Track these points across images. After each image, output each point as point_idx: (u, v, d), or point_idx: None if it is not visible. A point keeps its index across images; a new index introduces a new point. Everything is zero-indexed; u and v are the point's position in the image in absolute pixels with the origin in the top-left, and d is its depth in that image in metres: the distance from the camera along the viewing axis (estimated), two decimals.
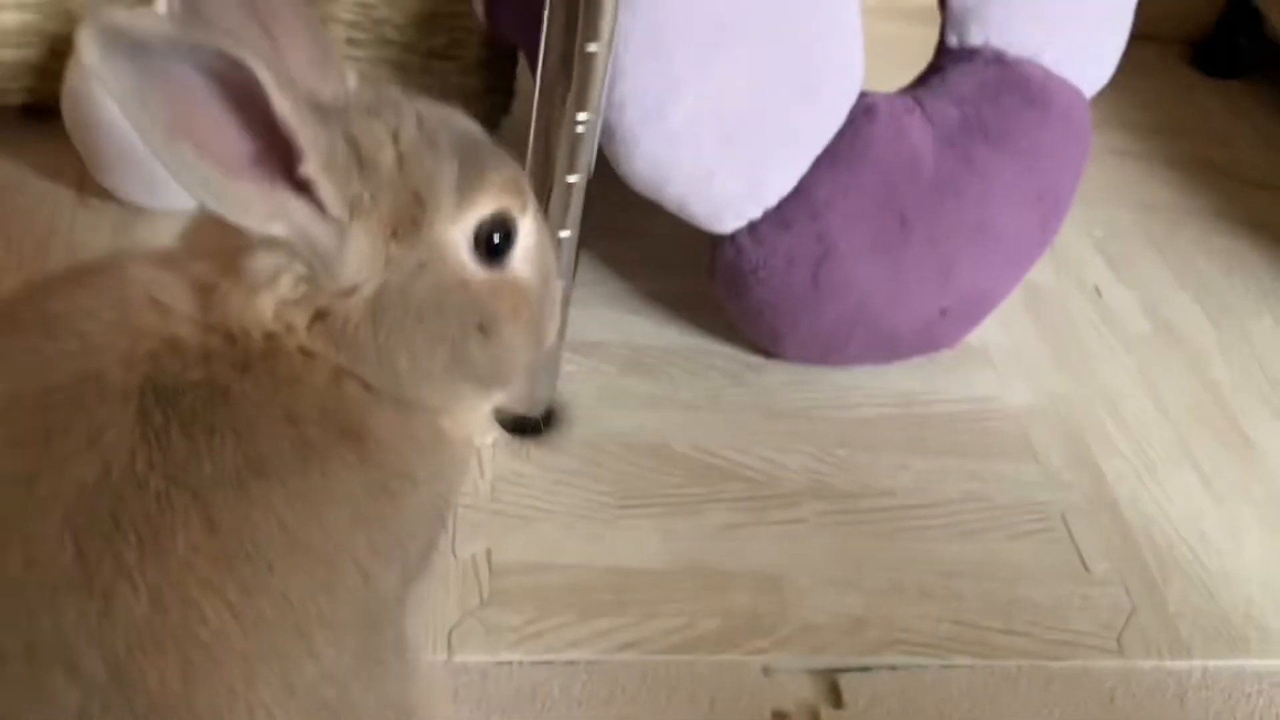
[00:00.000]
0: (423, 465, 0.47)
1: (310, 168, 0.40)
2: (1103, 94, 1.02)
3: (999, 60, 0.94)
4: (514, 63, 1.11)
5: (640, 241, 1.08)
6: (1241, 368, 1.15)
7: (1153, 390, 1.09)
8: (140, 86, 0.35)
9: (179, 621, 0.38)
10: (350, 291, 0.43)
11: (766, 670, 0.77)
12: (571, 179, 0.72)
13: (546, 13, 0.64)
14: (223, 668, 0.39)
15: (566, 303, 0.83)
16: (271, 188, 0.40)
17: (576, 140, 0.70)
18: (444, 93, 1.08)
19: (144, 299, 0.42)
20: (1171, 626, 0.86)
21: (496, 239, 0.46)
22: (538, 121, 0.70)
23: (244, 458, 0.40)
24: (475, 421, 0.54)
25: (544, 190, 0.73)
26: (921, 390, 1.03)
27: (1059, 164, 0.98)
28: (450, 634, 0.74)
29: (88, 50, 0.34)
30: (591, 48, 0.65)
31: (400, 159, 0.43)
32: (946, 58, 0.96)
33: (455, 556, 0.79)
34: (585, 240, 0.79)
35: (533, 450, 0.88)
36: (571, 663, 0.75)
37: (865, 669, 0.79)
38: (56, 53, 1.00)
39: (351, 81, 0.46)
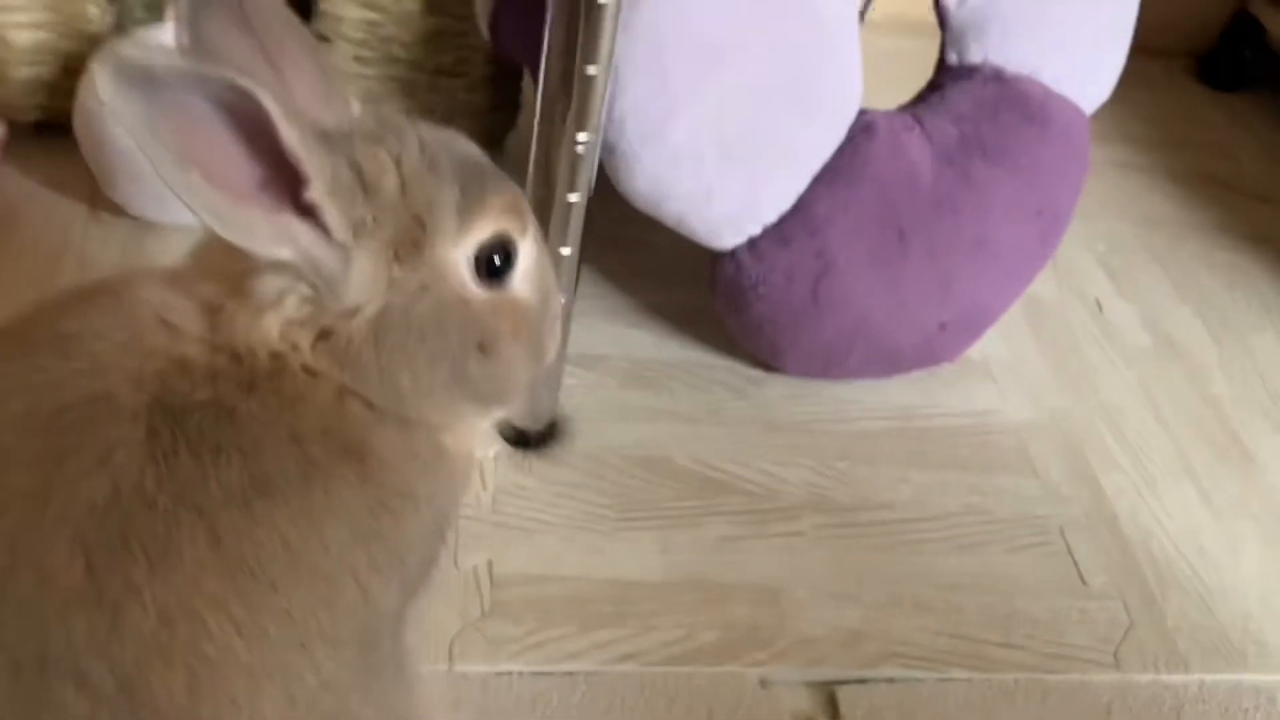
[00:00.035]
0: (423, 483, 0.48)
1: (315, 193, 0.41)
2: (1106, 107, 1.03)
3: (998, 78, 0.95)
4: (519, 79, 1.13)
5: (642, 256, 1.09)
6: (1242, 382, 1.15)
7: (1153, 404, 1.09)
8: (152, 117, 0.37)
9: (185, 636, 0.39)
10: (353, 312, 0.44)
11: (764, 682, 0.78)
12: (572, 198, 0.73)
13: (546, 35, 0.66)
14: (227, 680, 0.40)
15: (568, 317, 0.84)
16: (278, 213, 0.41)
17: (576, 160, 0.71)
18: (450, 109, 1.11)
19: (153, 320, 0.44)
20: (1169, 641, 0.87)
21: (497, 260, 0.47)
22: (538, 141, 0.71)
23: (249, 477, 0.41)
24: (476, 438, 0.55)
25: (545, 208, 0.74)
26: (922, 404, 1.03)
27: (1058, 180, 0.98)
28: (451, 644, 0.75)
29: (103, 84, 0.35)
30: (591, 70, 0.66)
31: (403, 184, 0.44)
32: (946, 75, 0.97)
33: (457, 567, 0.80)
34: (587, 255, 0.80)
35: (534, 463, 0.89)
36: (571, 673, 0.76)
37: (862, 681, 0.80)
38: (69, 71, 1.02)
39: (355, 108, 0.47)
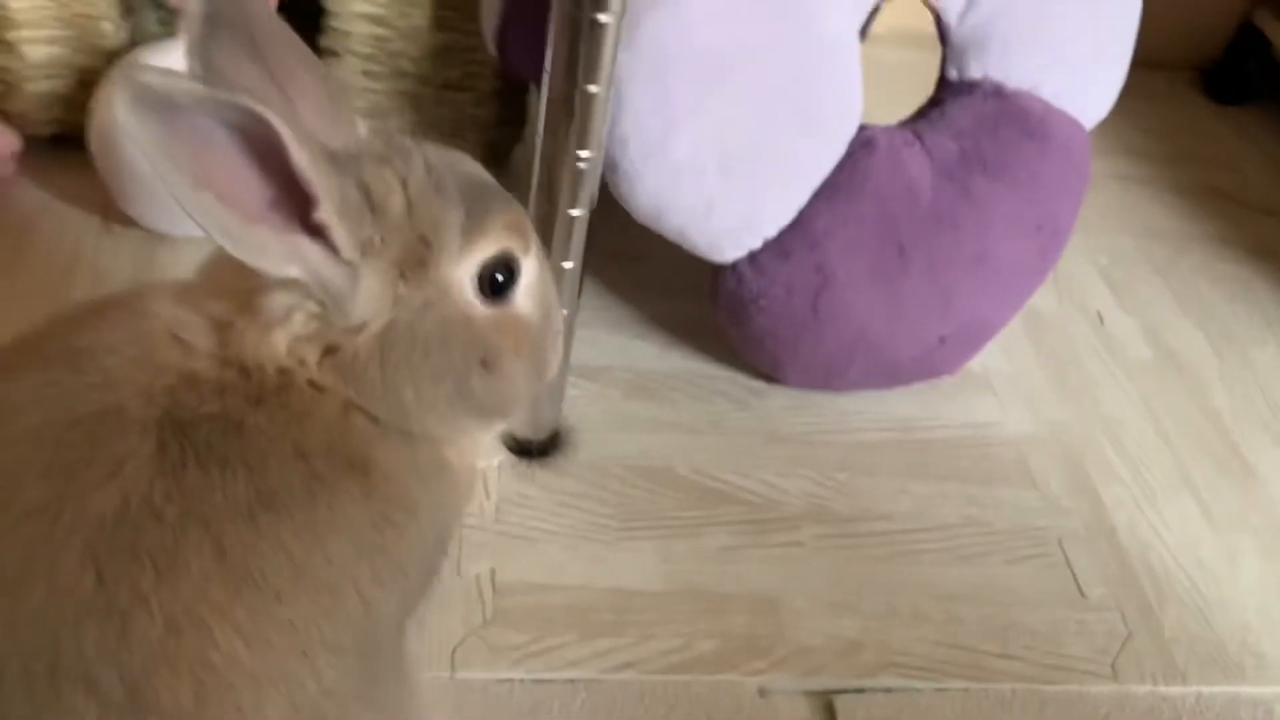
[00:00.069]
0: (426, 496, 0.49)
1: (325, 213, 0.42)
2: (1109, 120, 1.03)
3: (998, 93, 0.96)
4: (525, 94, 1.14)
5: (645, 267, 1.10)
6: (1243, 395, 1.15)
7: (1153, 417, 1.10)
8: (168, 141, 0.38)
9: (192, 644, 0.40)
10: (360, 328, 0.46)
11: (763, 691, 0.79)
12: (574, 213, 0.74)
13: (549, 55, 0.67)
14: (232, 688, 0.41)
15: (571, 329, 0.86)
16: (287, 232, 0.43)
17: (579, 176, 0.72)
18: (457, 123, 1.13)
19: (164, 335, 0.45)
20: (1167, 652, 0.87)
21: (500, 278, 0.48)
22: (541, 157, 0.72)
23: (255, 491, 0.43)
24: (478, 451, 0.56)
25: (548, 223, 0.75)
26: (922, 416, 1.04)
27: (1058, 195, 0.99)
28: (454, 651, 0.76)
29: (121, 109, 0.36)
30: (592, 88, 0.67)
31: (409, 204, 0.45)
32: (946, 91, 0.98)
33: (460, 575, 0.81)
34: (590, 267, 0.81)
35: (538, 472, 0.91)
36: (571, 681, 0.76)
37: (860, 691, 0.80)
38: (84, 85, 1.04)
39: (362, 130, 0.48)
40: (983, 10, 0.94)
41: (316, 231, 0.43)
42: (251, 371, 0.45)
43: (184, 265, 0.49)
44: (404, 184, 0.45)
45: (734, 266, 0.90)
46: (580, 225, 0.75)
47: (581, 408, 0.97)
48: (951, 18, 0.95)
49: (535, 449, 0.92)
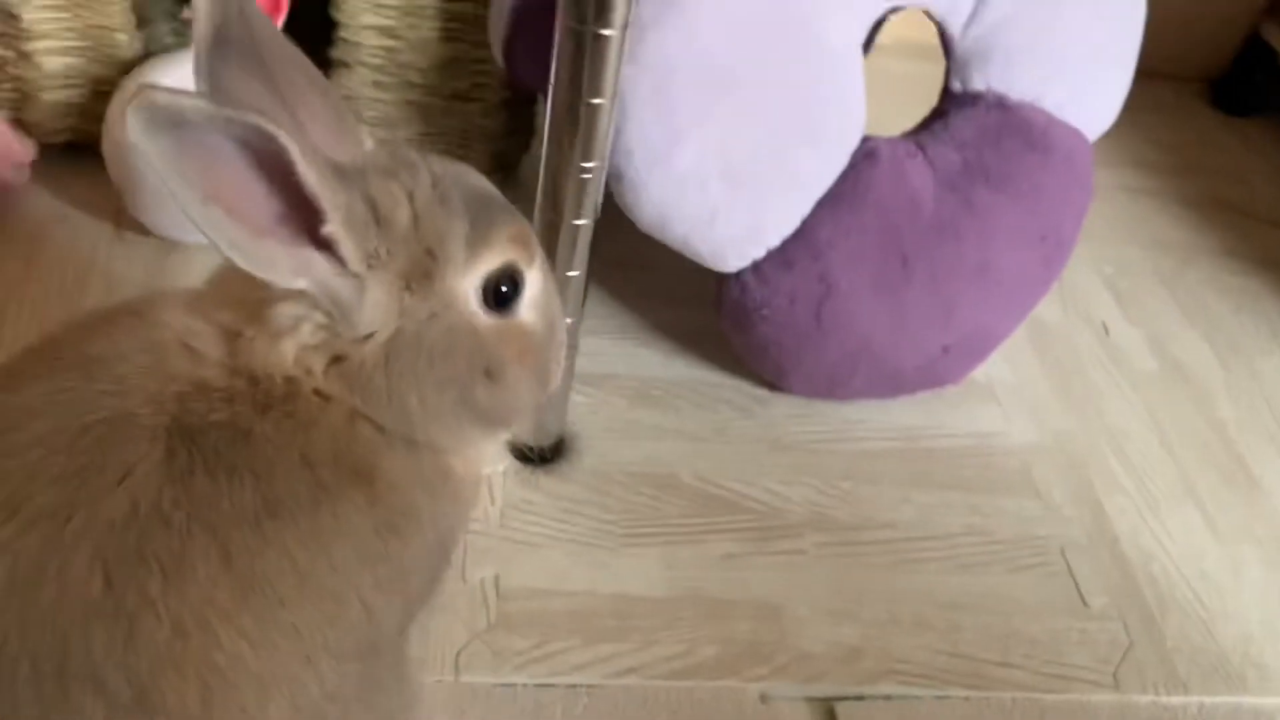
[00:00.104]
0: (429, 505, 0.50)
1: (332, 227, 0.43)
2: (1116, 132, 1.04)
3: (1000, 105, 0.97)
4: (533, 105, 1.15)
5: (650, 276, 1.11)
6: (1249, 406, 1.16)
7: (1158, 428, 1.10)
8: (178, 157, 0.39)
9: (198, 647, 0.41)
10: (366, 338, 0.47)
11: (764, 697, 0.79)
12: (579, 222, 0.75)
13: (553, 67, 0.68)
14: (237, 690, 0.42)
15: (576, 336, 0.87)
16: (295, 245, 0.44)
17: (583, 186, 0.73)
18: (466, 133, 1.14)
19: (175, 344, 0.46)
20: (1168, 662, 0.87)
21: (504, 289, 0.49)
22: (546, 168, 0.73)
23: (261, 499, 0.44)
24: (482, 460, 0.57)
25: (553, 232, 0.76)
26: (926, 425, 1.05)
27: (1061, 206, 1.00)
28: (458, 656, 0.77)
29: (133, 126, 0.37)
30: (596, 100, 0.68)
31: (415, 217, 0.46)
32: (950, 102, 0.99)
33: (465, 581, 0.82)
34: (596, 275, 0.82)
35: (543, 479, 0.91)
36: (574, 686, 0.77)
37: (861, 698, 0.81)
38: (99, 94, 1.05)
39: (368, 144, 0.49)
40: (986, 22, 0.95)
41: (324, 244, 0.44)
42: (260, 380, 0.46)
43: (195, 273, 0.50)
44: (410, 197, 0.46)
45: (738, 275, 0.91)
46: (585, 234, 0.76)
47: (586, 415, 0.97)
48: (955, 30, 0.96)
49: (540, 455, 0.92)
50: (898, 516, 0.95)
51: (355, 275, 0.45)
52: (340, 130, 0.48)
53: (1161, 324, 1.25)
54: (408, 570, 0.50)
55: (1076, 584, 0.92)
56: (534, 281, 0.51)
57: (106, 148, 1.00)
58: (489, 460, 0.89)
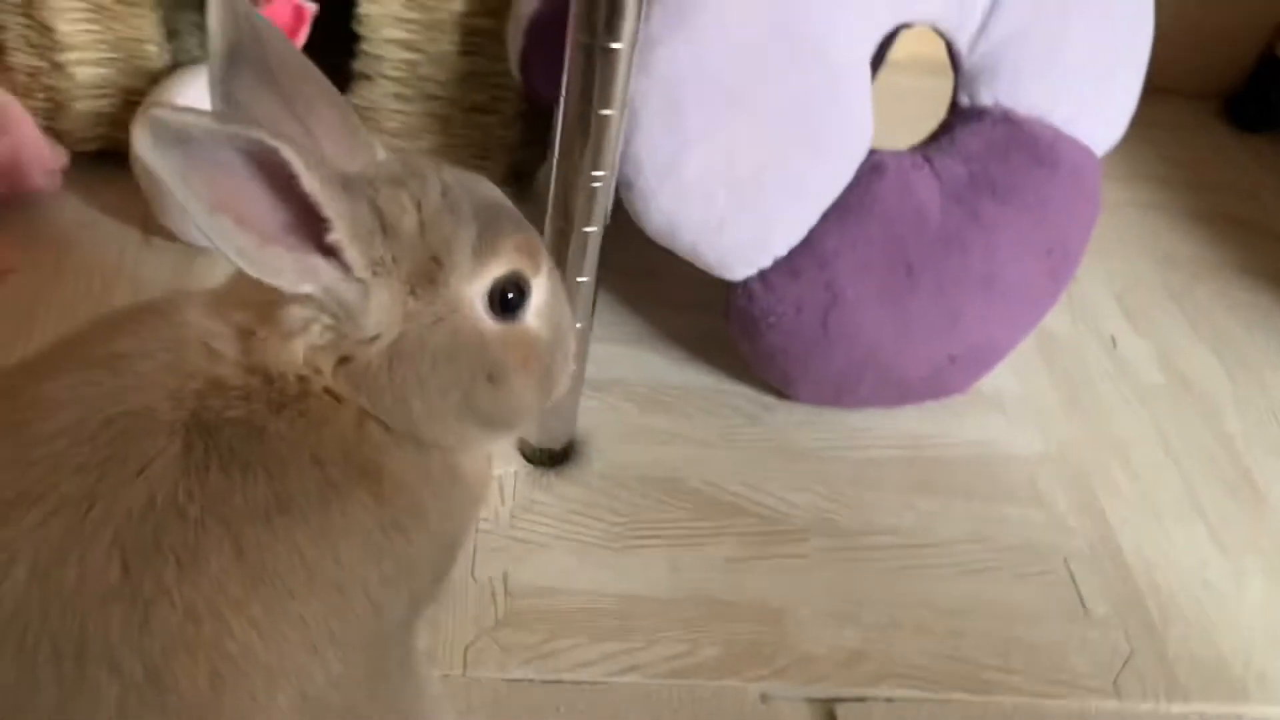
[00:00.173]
0: (436, 503, 0.52)
1: (337, 235, 0.45)
2: (1129, 148, 1.05)
3: (1007, 119, 0.98)
4: (549, 117, 1.17)
5: (660, 283, 1.13)
6: (1256, 420, 1.16)
7: (1163, 440, 1.11)
8: (185, 169, 0.41)
9: (209, 634, 0.43)
10: (372, 340, 0.48)
11: (764, 697, 0.81)
12: (588, 229, 0.77)
13: (564, 79, 0.70)
14: (246, 676, 0.44)
15: (586, 342, 0.89)
16: (302, 252, 0.45)
17: (593, 194, 0.75)
18: (485, 144, 1.16)
19: (195, 342, 0.48)
20: (1170, 671, 0.88)
21: (510, 295, 0.51)
22: (557, 177, 0.75)
23: (273, 495, 0.45)
24: (490, 461, 0.59)
25: (564, 239, 0.78)
26: (932, 433, 1.06)
27: (1068, 219, 1.01)
28: (466, 651, 0.79)
29: (141, 143, 0.39)
30: (605, 111, 0.70)
31: (422, 225, 0.48)
32: (957, 117, 1.00)
33: (474, 578, 0.84)
34: (607, 282, 0.84)
35: (552, 481, 0.93)
36: (579, 683, 0.79)
37: (861, 699, 0.82)
38: (129, 104, 1.09)
39: (380, 154, 0.51)
40: (994, 37, 0.97)
41: (330, 251, 0.46)
42: (274, 379, 0.48)
43: (218, 277, 0.52)
44: (418, 205, 0.48)
45: (745, 284, 0.93)
46: (594, 241, 0.78)
47: (596, 419, 0.99)
48: (963, 45, 0.98)
49: (550, 458, 0.94)
50: (901, 523, 0.96)
51: (360, 281, 0.47)
52: (353, 141, 0.50)
53: (1170, 338, 1.25)
54: (414, 567, 0.51)
55: (1079, 592, 0.93)
56: (541, 290, 0.53)
57: (135, 156, 1.03)
58: (498, 461, 0.91)
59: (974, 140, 0.98)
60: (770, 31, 0.86)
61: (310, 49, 1.01)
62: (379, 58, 1.08)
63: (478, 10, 1.05)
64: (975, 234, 0.96)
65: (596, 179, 0.74)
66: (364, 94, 1.10)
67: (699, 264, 0.92)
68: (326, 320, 0.48)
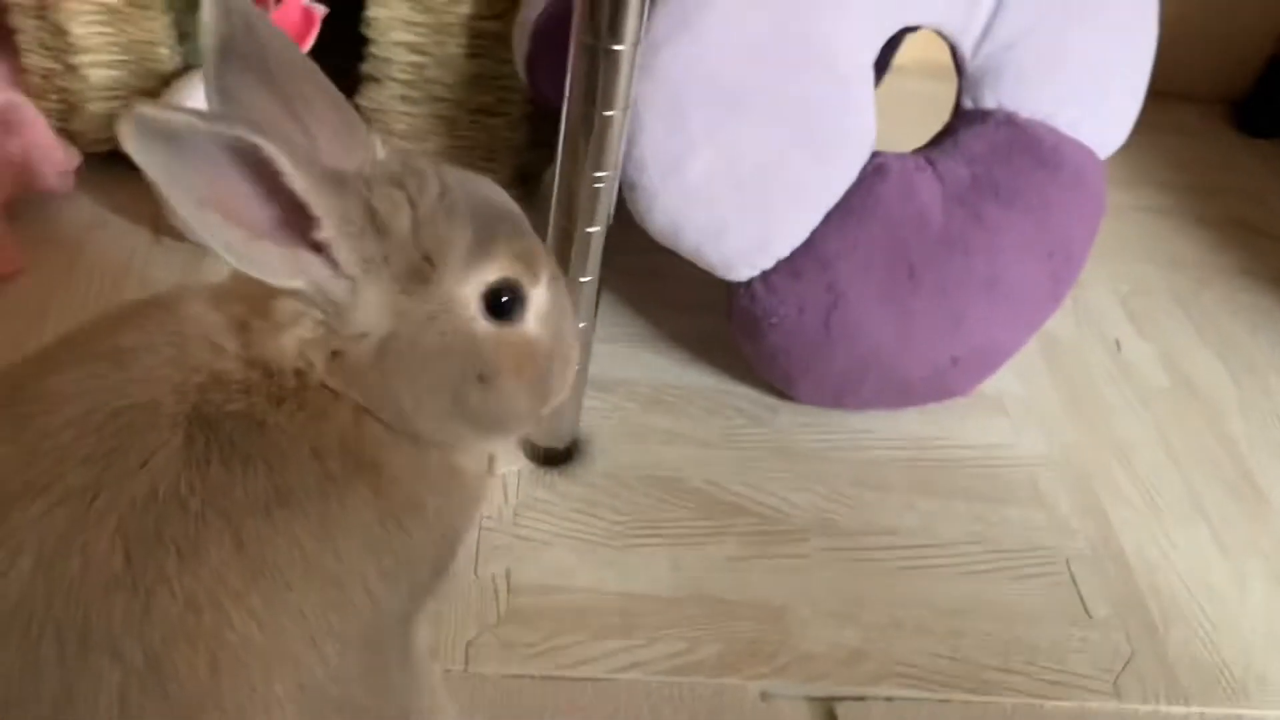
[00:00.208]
0: (433, 499, 0.52)
1: (325, 232, 0.46)
2: (1136, 153, 1.05)
3: (1010, 122, 0.98)
4: (556, 119, 1.18)
5: (664, 284, 1.14)
6: (1260, 424, 1.16)
7: (1166, 443, 1.11)
8: (171, 167, 0.41)
9: (209, 623, 0.43)
10: (362, 336, 0.49)
11: (764, 695, 0.81)
12: (591, 229, 0.78)
13: (568, 81, 0.71)
14: (245, 666, 0.44)
15: (590, 342, 0.89)
16: (291, 248, 0.46)
17: (596, 195, 0.76)
18: (492, 146, 1.17)
19: (198, 337, 0.49)
20: (1170, 673, 0.88)
21: (506, 299, 0.51)
22: (561, 177, 0.76)
23: (273, 488, 0.46)
24: (488, 459, 0.59)
25: (566, 239, 0.79)
26: (935, 435, 1.06)
27: (1071, 222, 1.01)
28: (468, 647, 0.80)
29: (127, 138, 0.40)
30: (608, 113, 0.71)
31: (416, 224, 0.48)
32: (960, 120, 1.01)
33: (476, 576, 0.85)
34: (611, 283, 0.84)
35: (555, 480, 0.94)
36: (579, 679, 0.79)
37: (861, 699, 0.82)
38: None
39: (381, 153, 0.52)
40: (997, 41, 0.97)
41: (320, 247, 0.46)
42: (274, 373, 0.48)
43: (224, 275, 0.53)
44: (413, 204, 0.48)
45: (748, 284, 0.94)
46: (597, 241, 0.79)
47: (599, 419, 1.00)
48: (967, 48, 0.98)
49: (553, 457, 0.95)
50: (902, 523, 0.97)
51: (349, 278, 0.47)
52: (351, 139, 0.50)
53: (1175, 342, 1.25)
54: (412, 561, 0.51)
55: (1080, 594, 0.93)
56: (540, 298, 0.53)
57: None
58: (501, 461, 0.92)
59: (977, 143, 0.99)
60: (774, 34, 0.87)
61: (319, 51, 1.03)
62: (387, 60, 1.09)
63: (484, 13, 1.06)
64: (978, 236, 0.96)
65: (599, 179, 0.75)
66: (372, 96, 1.12)
67: (702, 265, 0.93)
68: (317, 315, 0.48)
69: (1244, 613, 0.95)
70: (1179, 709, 0.86)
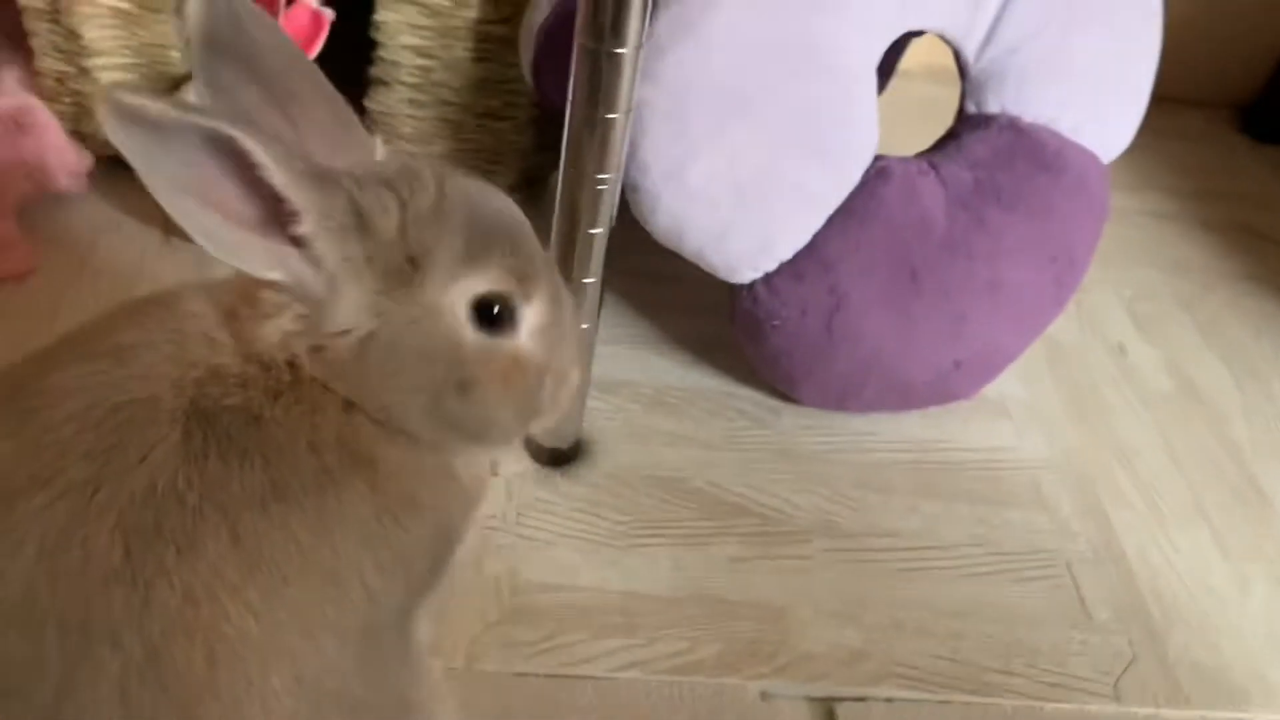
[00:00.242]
0: (429, 495, 0.52)
1: (305, 227, 0.46)
2: (1142, 157, 1.06)
3: (1014, 127, 0.99)
4: (562, 123, 1.19)
5: (668, 287, 1.14)
6: (1264, 429, 1.16)
7: (1169, 447, 1.11)
8: (151, 152, 0.42)
9: (206, 617, 0.44)
10: (343, 333, 0.49)
11: (764, 695, 0.82)
12: (594, 231, 0.79)
13: (571, 84, 0.72)
14: (242, 659, 0.45)
15: (593, 344, 0.90)
16: (272, 241, 0.46)
17: (598, 197, 0.77)
18: (498, 150, 1.18)
19: (196, 333, 0.49)
20: (1171, 676, 0.88)
21: (496, 310, 0.51)
22: (564, 180, 0.77)
23: (270, 482, 0.46)
24: (488, 465, 0.59)
25: (569, 241, 0.80)
26: (937, 438, 1.07)
27: (1073, 226, 1.01)
28: (470, 645, 0.80)
29: (107, 125, 0.40)
30: (611, 115, 0.72)
31: (403, 226, 0.48)
32: (964, 124, 1.01)
33: (480, 575, 0.85)
34: (614, 286, 0.85)
35: (558, 480, 0.95)
36: (581, 678, 0.80)
37: (861, 699, 0.83)
38: None
39: (379, 154, 0.52)
40: (1001, 45, 0.98)
41: (299, 242, 0.47)
42: (270, 367, 0.49)
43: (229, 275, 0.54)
44: (402, 206, 0.48)
45: (750, 287, 0.94)
46: (599, 243, 0.80)
47: (602, 420, 1.01)
48: (970, 53, 0.98)
49: (557, 458, 0.96)
50: (904, 525, 0.97)
51: (329, 274, 0.48)
52: (346, 138, 0.51)
53: (1179, 346, 1.25)
54: (408, 556, 0.52)
55: (1081, 597, 0.94)
56: (535, 314, 0.53)
57: None
58: (500, 463, 0.93)
59: (980, 147, 0.99)
60: (777, 38, 0.88)
61: (328, 55, 1.04)
62: (395, 64, 1.10)
63: (491, 17, 1.07)
64: (980, 240, 0.97)
65: (602, 181, 0.76)
66: (380, 99, 1.13)
67: (704, 267, 0.94)
68: (299, 309, 0.49)
69: (1245, 616, 0.95)
70: (1180, 712, 0.86)
